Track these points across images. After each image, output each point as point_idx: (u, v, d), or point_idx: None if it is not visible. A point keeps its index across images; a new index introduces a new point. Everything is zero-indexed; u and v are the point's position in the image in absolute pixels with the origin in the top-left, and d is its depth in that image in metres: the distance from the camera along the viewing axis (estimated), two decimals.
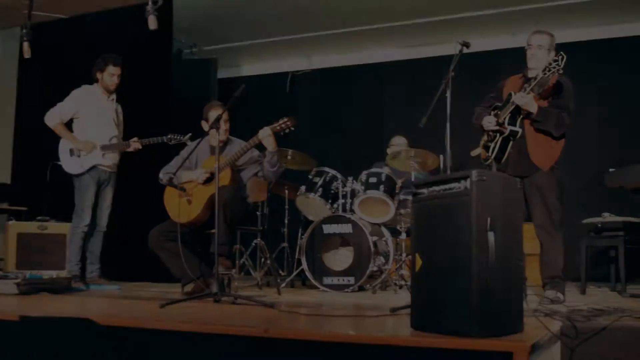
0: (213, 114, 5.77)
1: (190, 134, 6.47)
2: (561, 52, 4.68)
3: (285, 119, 5.52)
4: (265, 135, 5.52)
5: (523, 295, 3.20)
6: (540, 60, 5.10)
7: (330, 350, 3.06)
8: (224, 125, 5.74)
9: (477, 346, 2.79)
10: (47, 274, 5.82)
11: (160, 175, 5.85)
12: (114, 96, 6.91)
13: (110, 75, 6.75)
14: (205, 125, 5.88)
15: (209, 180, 5.66)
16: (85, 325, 3.66)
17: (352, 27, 9.72)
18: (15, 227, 7.39)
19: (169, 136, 6.54)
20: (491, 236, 2.97)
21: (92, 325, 3.64)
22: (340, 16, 9.29)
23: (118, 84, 6.85)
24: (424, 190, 3.32)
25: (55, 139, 6.83)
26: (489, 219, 2.98)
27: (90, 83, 6.88)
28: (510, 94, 5.09)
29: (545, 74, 4.71)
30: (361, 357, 3.01)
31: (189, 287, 5.71)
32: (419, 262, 3.24)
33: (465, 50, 4.97)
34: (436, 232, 3.16)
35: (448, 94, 4.76)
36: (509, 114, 5.05)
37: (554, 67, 4.65)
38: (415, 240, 3.36)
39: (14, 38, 9.58)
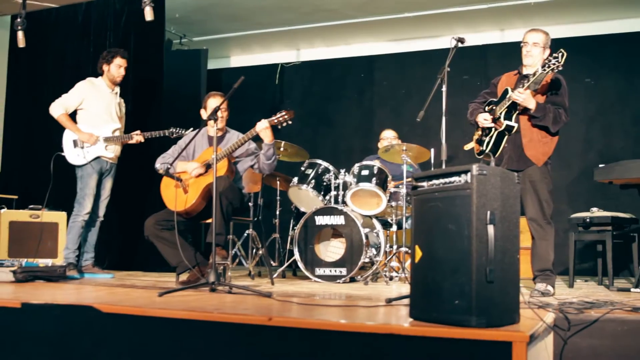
0: (212, 102, 5.83)
1: (191, 129, 6.52)
2: (561, 49, 4.72)
3: (283, 112, 5.51)
4: (262, 127, 5.55)
5: (519, 287, 3.26)
6: (536, 58, 5.17)
7: (329, 340, 3.12)
8: (221, 113, 5.77)
9: (477, 336, 2.86)
10: (43, 262, 5.84)
11: (157, 165, 5.87)
12: (117, 89, 6.97)
13: (118, 66, 6.83)
14: (204, 114, 5.93)
15: (206, 170, 5.70)
16: (87, 312, 3.71)
17: (342, 19, 9.75)
18: (8, 215, 7.39)
19: (170, 130, 6.58)
20: (491, 229, 3.04)
21: (94, 313, 3.69)
22: (330, 9, 9.32)
23: (124, 76, 6.91)
24: (424, 184, 3.39)
25: (46, 128, 6.87)
26: (488, 212, 3.05)
27: (83, 72, 6.93)
28: (506, 90, 5.14)
29: (544, 70, 4.76)
30: (361, 346, 3.07)
31: (183, 276, 5.76)
32: (418, 253, 3.31)
33: (459, 46, 5.03)
34: (436, 225, 3.22)
35: (444, 89, 4.80)
36: (505, 109, 5.11)
37: (554, 64, 4.70)
38: (415, 232, 3.41)
39: (4, 27, 9.56)
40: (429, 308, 3.19)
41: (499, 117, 5.14)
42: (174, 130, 6.56)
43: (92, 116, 6.76)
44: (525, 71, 5.23)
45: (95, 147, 6.67)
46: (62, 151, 6.73)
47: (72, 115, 6.78)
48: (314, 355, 3.17)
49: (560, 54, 4.69)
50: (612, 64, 8.95)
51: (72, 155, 6.69)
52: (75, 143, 6.68)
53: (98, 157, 6.71)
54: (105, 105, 6.84)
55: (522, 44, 5.25)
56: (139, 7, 7.11)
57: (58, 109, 6.72)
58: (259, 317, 3.29)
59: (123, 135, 6.84)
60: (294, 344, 3.23)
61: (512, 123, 5.09)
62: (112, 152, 6.79)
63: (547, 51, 5.20)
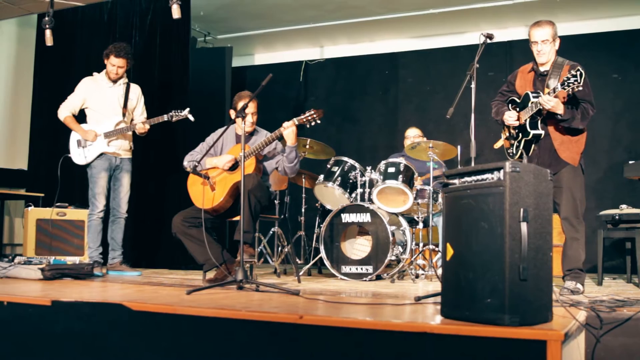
0: (242, 103, 5.78)
1: (188, 108, 6.51)
2: (579, 68, 4.65)
3: (312, 112, 5.44)
4: (288, 128, 5.49)
5: (552, 285, 3.23)
6: (549, 54, 5.11)
7: (359, 338, 3.11)
8: (251, 118, 5.75)
9: (511, 335, 2.83)
10: (70, 259, 5.87)
11: (185, 162, 5.86)
12: (122, 81, 6.92)
13: (111, 65, 6.78)
14: (233, 114, 5.89)
15: (233, 168, 5.69)
16: (117, 310, 3.72)
17: (366, 16, 9.73)
18: (35, 213, 7.45)
19: (170, 114, 6.57)
20: (524, 227, 3.02)
21: (124, 310, 3.70)
22: (354, 6, 9.30)
23: (120, 75, 6.86)
24: (456, 181, 3.36)
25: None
26: (522, 210, 3.03)
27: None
28: (527, 95, 5.09)
29: (564, 88, 4.68)
30: (391, 345, 3.05)
31: (210, 274, 5.76)
32: (450, 251, 3.28)
33: (488, 42, 4.97)
34: (468, 222, 3.19)
35: (473, 86, 4.77)
36: (529, 118, 5.07)
37: (573, 83, 4.60)
38: (446, 230, 3.39)
39: (30, 25, 9.62)
40: (461, 306, 3.17)
41: (525, 123, 5.09)
42: (174, 113, 6.55)
43: (95, 113, 6.80)
44: (541, 68, 5.18)
45: (95, 144, 6.70)
46: (69, 152, 6.78)
47: (83, 115, 6.81)
48: (344, 353, 3.16)
49: (578, 73, 4.60)
50: (639, 59, 8.86)
51: (76, 155, 6.78)
52: (78, 143, 6.75)
53: (102, 154, 6.73)
54: (106, 100, 6.82)
55: (531, 43, 5.17)
56: (164, 5, 7.13)
57: (64, 112, 6.80)
58: (290, 315, 3.28)
59: (125, 127, 6.80)
60: (322, 342, 3.22)
61: (539, 131, 5.05)
62: (115, 147, 6.78)
63: (557, 41, 5.14)
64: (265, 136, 5.79)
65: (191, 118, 6.49)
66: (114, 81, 6.86)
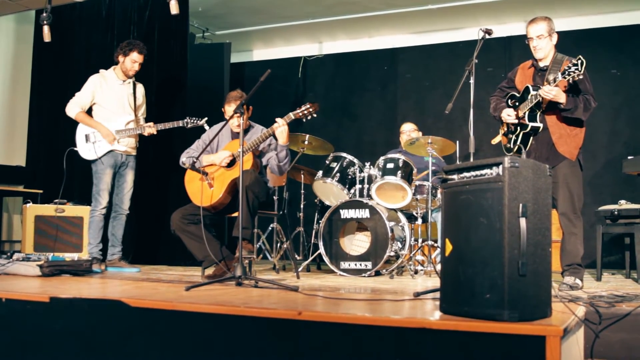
0: (233, 106, 5.77)
1: (206, 118, 6.50)
2: (580, 57, 4.66)
3: (308, 105, 5.45)
4: (280, 126, 5.49)
5: (551, 281, 3.22)
6: (546, 48, 5.13)
7: (358, 334, 3.10)
8: (238, 121, 5.70)
9: (510, 330, 2.82)
10: (69, 256, 5.85)
11: (183, 159, 5.86)
12: (130, 80, 6.92)
13: (132, 61, 6.78)
14: (225, 114, 5.87)
15: (230, 164, 5.68)
16: (115, 306, 3.72)
17: (364, 12, 9.71)
18: (33, 209, 7.43)
19: (185, 120, 6.56)
20: (523, 222, 3.01)
21: (123, 307, 3.69)
22: (352, 1, 9.28)
23: (137, 71, 6.86)
24: (454, 177, 3.35)
25: (70, 123, 6.88)
26: (520, 205, 3.02)
27: (107, 66, 6.92)
28: (527, 88, 5.08)
29: (564, 77, 4.69)
30: (390, 341, 3.04)
31: (209, 270, 5.76)
32: (449, 247, 3.27)
33: (486, 37, 4.96)
34: (467, 218, 3.18)
35: (472, 81, 4.75)
36: (528, 110, 5.06)
37: (574, 72, 4.62)
38: (445, 225, 3.38)
39: (28, 21, 9.61)
40: (460, 302, 3.16)
41: (523, 116, 5.08)
42: (189, 120, 6.54)
43: (104, 110, 6.76)
44: (540, 64, 5.19)
45: (105, 141, 6.68)
46: (75, 146, 6.75)
47: (88, 112, 6.80)
48: (343, 349, 3.15)
49: (579, 62, 4.62)
50: (638, 55, 8.85)
51: (84, 150, 6.72)
52: (87, 138, 6.71)
53: (110, 151, 6.71)
54: (117, 97, 6.82)
55: (527, 40, 5.19)
56: (162, 1, 7.10)
57: (74, 108, 6.76)
58: (288, 311, 3.28)
59: (135, 127, 6.80)
60: (321, 338, 3.21)
61: (537, 124, 5.05)
62: (124, 145, 6.77)
63: (555, 36, 5.16)
64: (261, 132, 5.79)
65: (207, 127, 6.45)
66: (125, 79, 6.86)
